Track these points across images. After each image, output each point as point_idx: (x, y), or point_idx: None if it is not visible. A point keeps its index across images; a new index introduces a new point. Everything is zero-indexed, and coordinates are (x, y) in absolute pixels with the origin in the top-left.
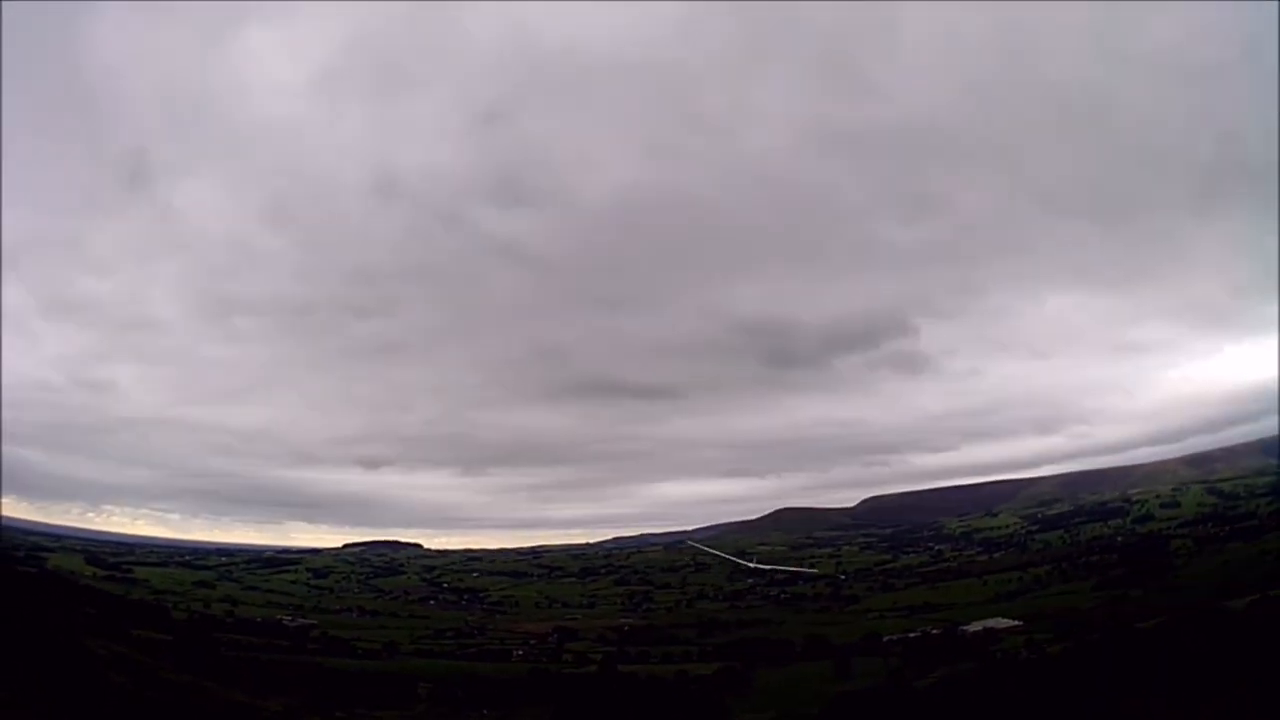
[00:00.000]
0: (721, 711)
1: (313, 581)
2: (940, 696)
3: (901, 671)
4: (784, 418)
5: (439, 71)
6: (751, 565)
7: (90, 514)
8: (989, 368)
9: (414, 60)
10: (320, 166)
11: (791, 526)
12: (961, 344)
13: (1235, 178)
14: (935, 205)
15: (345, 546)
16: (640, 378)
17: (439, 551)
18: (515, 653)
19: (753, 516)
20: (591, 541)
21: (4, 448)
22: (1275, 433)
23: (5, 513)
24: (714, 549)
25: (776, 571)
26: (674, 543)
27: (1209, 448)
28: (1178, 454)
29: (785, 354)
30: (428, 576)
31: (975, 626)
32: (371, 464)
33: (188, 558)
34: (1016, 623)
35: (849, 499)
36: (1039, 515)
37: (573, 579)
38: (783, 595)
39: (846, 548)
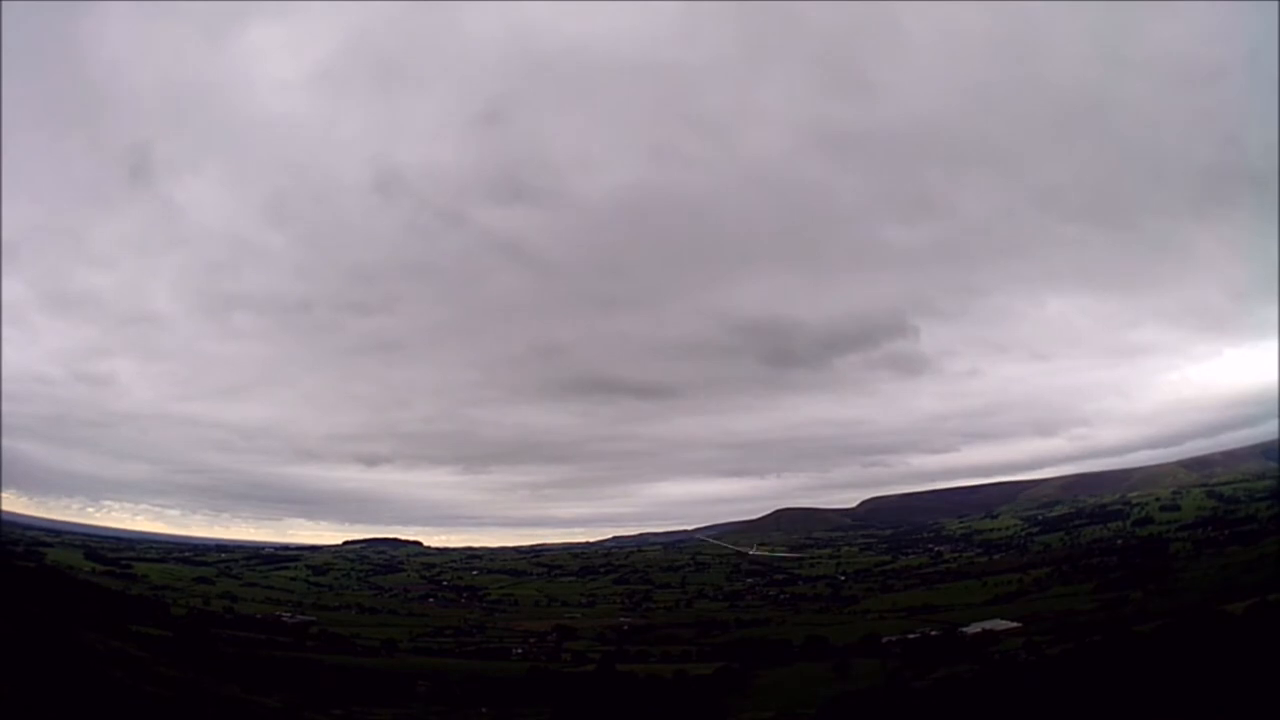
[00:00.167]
0: (720, 711)
1: (312, 578)
2: (938, 698)
3: (900, 672)
4: (784, 418)
5: (440, 70)
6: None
7: (90, 509)
8: (989, 369)
9: (415, 58)
10: (321, 163)
11: (792, 527)
12: (961, 345)
13: (1236, 181)
14: (936, 206)
15: (345, 543)
16: (640, 377)
17: (438, 549)
18: (514, 651)
19: (753, 516)
20: (591, 540)
21: (3, 441)
22: (1275, 437)
23: (4, 507)
24: (714, 548)
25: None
26: (675, 541)
27: (1209, 451)
28: (1178, 457)
29: (786, 354)
30: (427, 574)
31: (974, 628)
32: (371, 461)
33: (187, 553)
34: (1016, 624)
35: (849, 500)
36: (1039, 517)
37: (572, 578)
38: (782, 595)
39: (846, 548)
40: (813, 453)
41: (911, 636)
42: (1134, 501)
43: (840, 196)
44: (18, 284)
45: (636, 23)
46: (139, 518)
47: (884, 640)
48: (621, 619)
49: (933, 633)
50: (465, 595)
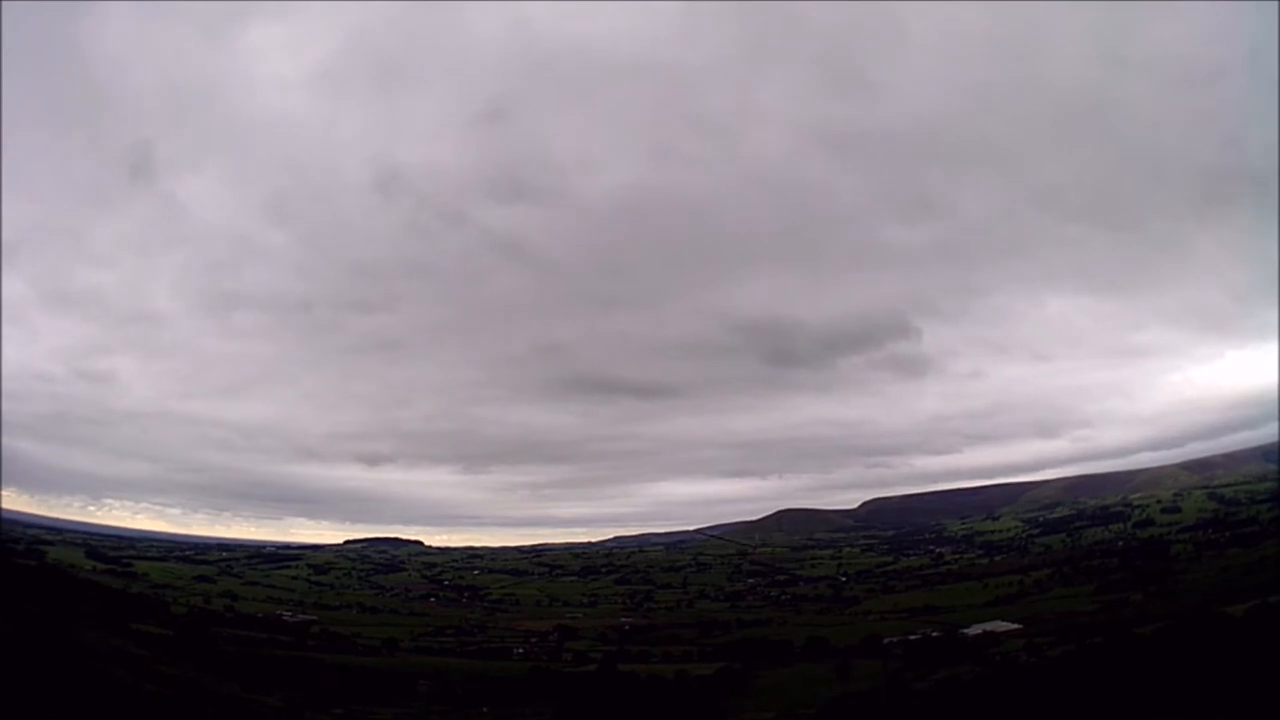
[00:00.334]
0: (721, 711)
1: (313, 577)
2: (940, 699)
3: (901, 674)
4: (785, 418)
5: (440, 69)
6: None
7: (91, 507)
8: (991, 370)
9: (415, 58)
10: (322, 163)
11: (793, 528)
12: (963, 346)
13: (1237, 182)
14: (936, 206)
15: (346, 543)
16: (642, 376)
17: (440, 549)
18: (515, 651)
19: (755, 517)
20: (593, 540)
21: (4, 440)
22: (1276, 439)
23: (5, 505)
24: (715, 549)
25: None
26: (677, 541)
27: (1210, 453)
28: (1179, 459)
29: (787, 354)
30: (428, 574)
31: (975, 629)
32: (373, 460)
33: (188, 552)
34: (1017, 626)
35: (851, 500)
36: (1040, 519)
37: (574, 578)
38: (783, 596)
39: (848, 549)
40: (814, 453)
41: (913, 638)
42: (1135, 503)
43: (841, 196)
44: (18, 283)
45: (637, 23)
46: (140, 516)
47: (885, 641)
48: (623, 619)
49: (934, 634)
50: (466, 595)
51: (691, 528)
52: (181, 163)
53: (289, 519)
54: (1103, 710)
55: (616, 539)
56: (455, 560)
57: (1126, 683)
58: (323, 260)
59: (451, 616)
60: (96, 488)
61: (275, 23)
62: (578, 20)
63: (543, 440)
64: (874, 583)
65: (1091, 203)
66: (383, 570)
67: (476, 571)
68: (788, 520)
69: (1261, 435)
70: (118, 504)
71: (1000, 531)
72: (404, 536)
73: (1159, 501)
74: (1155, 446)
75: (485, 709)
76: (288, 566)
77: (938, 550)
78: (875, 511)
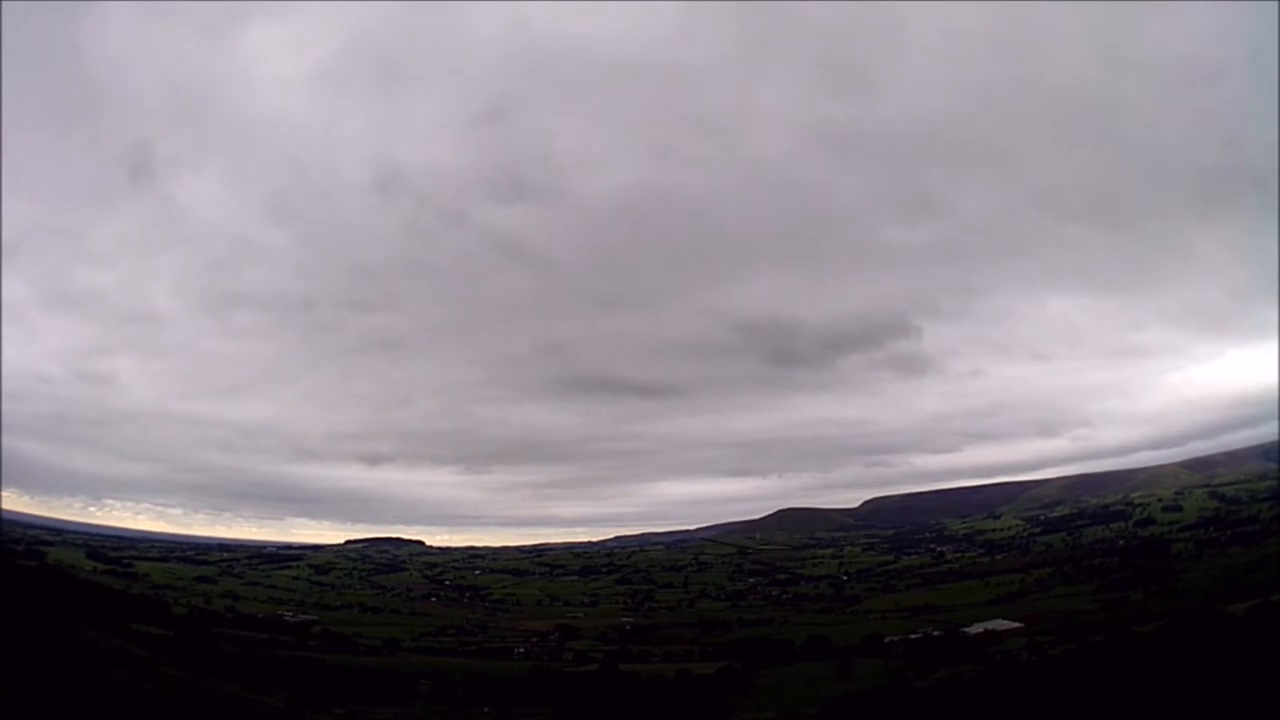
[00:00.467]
0: (722, 711)
1: (314, 578)
2: (941, 698)
3: (902, 672)
4: (786, 418)
5: (441, 69)
6: None
7: (91, 508)
8: (991, 369)
9: (415, 58)
10: (322, 162)
11: (794, 527)
12: (964, 345)
13: (1237, 182)
14: (937, 206)
15: (347, 543)
16: (643, 376)
17: (441, 549)
18: (516, 650)
19: (756, 516)
20: (594, 540)
21: (4, 440)
22: (1277, 437)
23: (6, 506)
24: (716, 548)
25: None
26: (677, 541)
27: (1211, 452)
28: (1179, 458)
29: (788, 354)
30: (429, 573)
31: (976, 628)
32: (373, 460)
33: (189, 553)
34: (1018, 625)
35: (852, 499)
36: (1041, 518)
37: (575, 577)
38: (784, 595)
39: (849, 548)
40: (815, 453)
41: (913, 636)
42: (1136, 502)
43: (841, 196)
44: (18, 283)
45: (637, 23)
46: (140, 517)
47: (886, 640)
48: (624, 619)
49: (935, 633)
50: (467, 595)
51: (692, 527)
52: (181, 163)
53: (290, 519)
54: (1104, 709)
55: (617, 539)
56: (456, 560)
57: (1127, 681)
58: (323, 260)
59: (452, 616)
60: (97, 488)
61: (275, 23)
62: (578, 20)
63: (543, 440)
64: (875, 582)
65: (1091, 203)
66: (384, 570)
67: (477, 571)
68: (788, 519)
69: (1262, 434)
70: (118, 504)
71: (1001, 530)
72: (405, 536)
73: (1160, 500)
74: (1156, 445)
75: (486, 709)
76: (289, 567)
77: (938, 549)
78: (876, 510)
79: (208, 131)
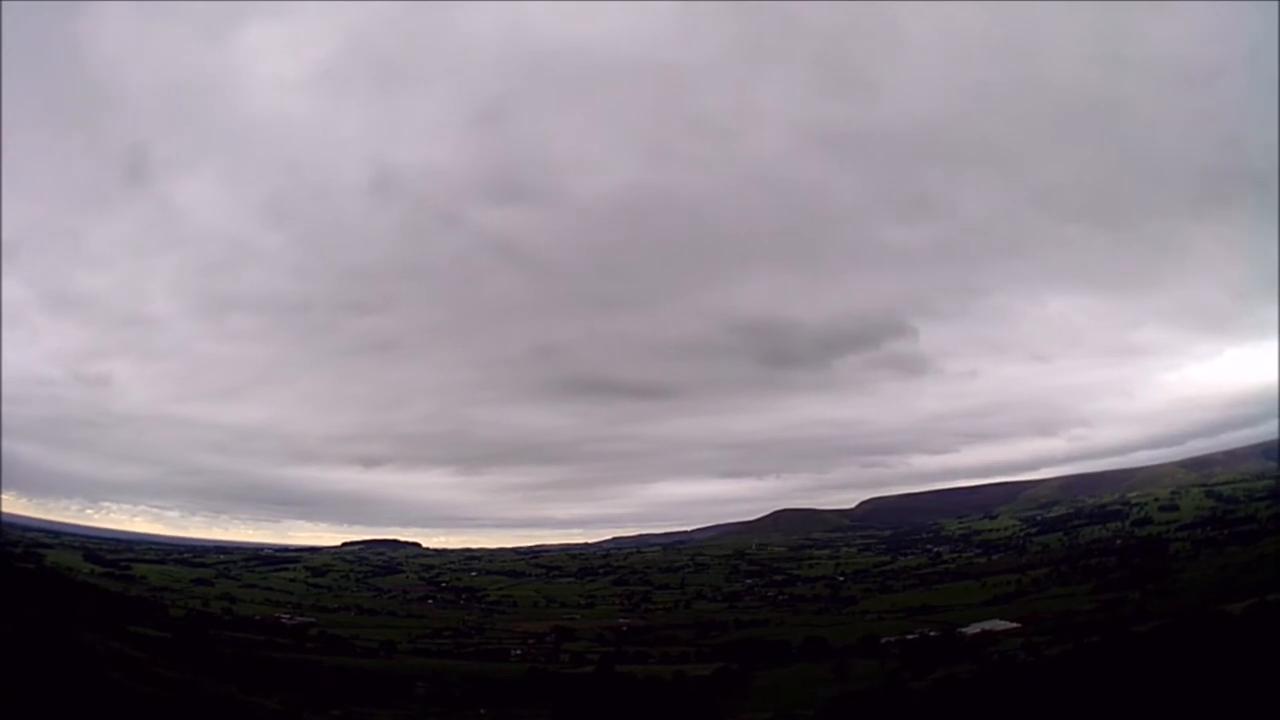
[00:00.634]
0: (719, 712)
1: (311, 580)
2: (937, 698)
3: (899, 673)
4: (783, 418)
5: (438, 70)
6: None
7: (89, 510)
8: (988, 369)
9: (413, 58)
10: (319, 164)
11: (790, 528)
12: (961, 345)
13: (1236, 181)
14: (935, 206)
15: (343, 545)
16: (638, 377)
17: (437, 550)
18: (513, 652)
19: (752, 517)
20: (590, 541)
21: (2, 443)
22: (1275, 437)
23: (3, 508)
24: (713, 549)
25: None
26: (674, 542)
27: (1208, 451)
28: (1177, 457)
29: (784, 354)
30: (426, 575)
31: (973, 628)
32: (369, 462)
33: (186, 555)
34: (1015, 625)
35: (848, 500)
36: (1038, 518)
37: (571, 579)
38: (781, 596)
39: (845, 549)
40: (811, 453)
41: (910, 637)
42: (1133, 502)
43: (839, 196)
44: (17, 284)
45: (635, 23)
46: (138, 519)
47: (883, 641)
48: (620, 620)
49: (931, 633)
50: (464, 596)
51: (689, 528)
52: (179, 164)
53: (286, 521)
54: (1101, 709)
55: (614, 540)
56: (453, 562)
57: (1125, 681)
58: (319, 262)
59: (449, 618)
60: (94, 491)
61: (274, 23)
62: (575, 20)
63: (540, 441)
64: (871, 582)
65: (1091, 203)
66: (380, 572)
67: (474, 573)
68: (785, 520)
69: (1260, 433)
70: (116, 507)
71: (998, 530)
72: (401, 538)
73: (1157, 500)
74: (1154, 444)
75: (483, 710)
76: (285, 569)
77: (935, 549)
78: (873, 511)
79: (205, 132)
